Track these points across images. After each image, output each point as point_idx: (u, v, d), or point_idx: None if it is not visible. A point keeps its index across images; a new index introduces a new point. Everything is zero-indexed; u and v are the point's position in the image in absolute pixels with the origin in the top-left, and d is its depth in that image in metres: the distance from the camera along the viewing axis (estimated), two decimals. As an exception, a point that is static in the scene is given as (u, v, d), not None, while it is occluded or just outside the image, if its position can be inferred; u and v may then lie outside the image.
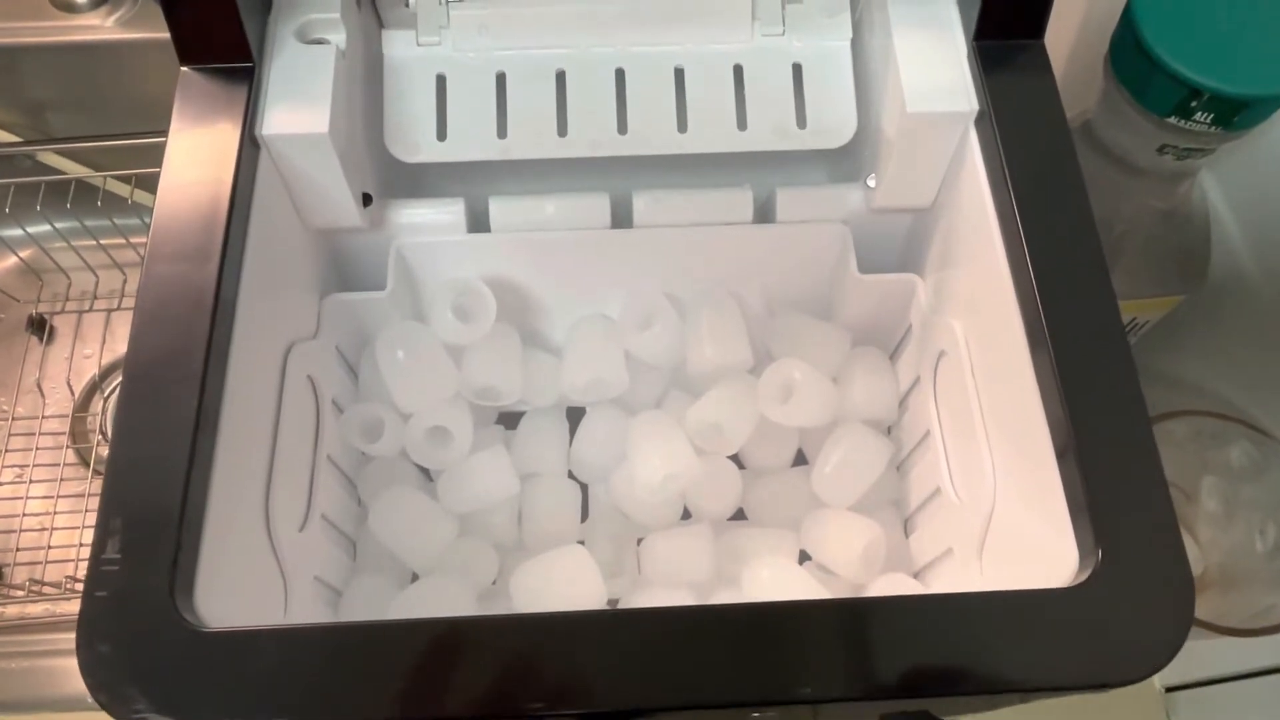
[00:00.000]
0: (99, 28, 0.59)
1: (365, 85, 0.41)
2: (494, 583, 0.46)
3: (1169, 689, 0.57)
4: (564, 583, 0.42)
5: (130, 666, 0.26)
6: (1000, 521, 0.37)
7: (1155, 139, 0.42)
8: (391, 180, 0.44)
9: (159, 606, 0.27)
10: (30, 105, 0.63)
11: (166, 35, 0.35)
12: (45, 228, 0.62)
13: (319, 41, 0.38)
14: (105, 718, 0.51)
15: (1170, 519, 0.29)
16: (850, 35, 0.42)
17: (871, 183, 0.43)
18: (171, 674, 0.26)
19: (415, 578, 0.46)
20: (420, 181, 0.45)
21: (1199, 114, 0.39)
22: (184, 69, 0.36)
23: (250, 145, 0.36)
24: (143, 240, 0.63)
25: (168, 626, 0.27)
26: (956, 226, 0.40)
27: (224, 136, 0.35)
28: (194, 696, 0.26)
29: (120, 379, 0.65)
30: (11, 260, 0.68)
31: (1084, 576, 0.28)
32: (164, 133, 0.57)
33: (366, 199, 0.41)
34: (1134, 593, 0.28)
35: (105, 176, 0.62)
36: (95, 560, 0.28)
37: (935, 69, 0.38)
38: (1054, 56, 0.39)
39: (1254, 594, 0.50)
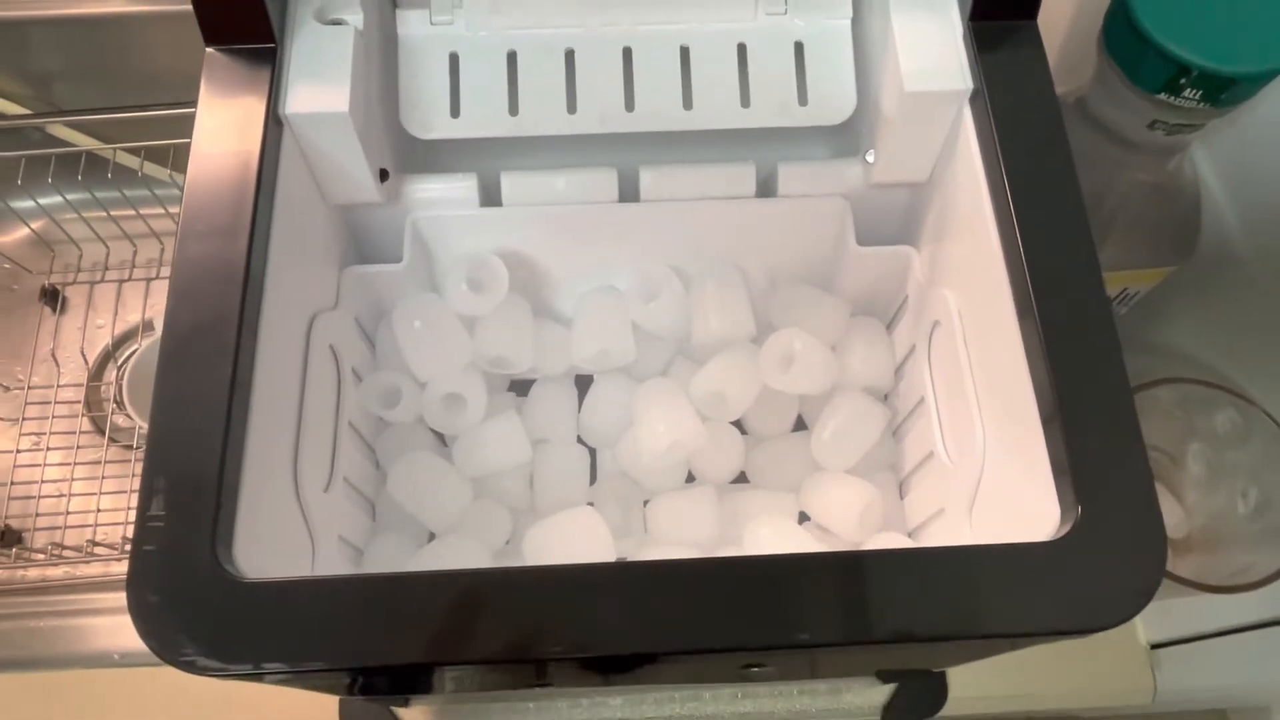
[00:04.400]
0: (107, 0, 0.59)
1: (381, 64, 0.42)
2: (507, 543, 0.48)
3: (1154, 645, 0.59)
4: (575, 542, 0.44)
5: (177, 615, 0.28)
6: (989, 482, 0.38)
7: (1146, 115, 0.42)
8: (407, 156, 0.45)
9: (202, 559, 0.29)
10: (39, 78, 0.64)
11: (174, 8, 0.36)
12: (56, 199, 0.63)
13: (337, 22, 0.39)
14: (123, 675, 0.53)
15: (1146, 479, 0.31)
16: (851, 14, 0.43)
17: (870, 158, 0.44)
18: (215, 621, 0.28)
19: (432, 538, 0.48)
20: (435, 157, 0.46)
21: (1188, 91, 0.40)
22: (209, 50, 0.37)
23: (274, 124, 0.37)
24: (152, 212, 0.64)
25: (211, 577, 0.29)
26: (951, 201, 0.42)
27: (249, 116, 0.36)
28: (236, 641, 0.28)
29: (134, 349, 0.66)
30: (23, 232, 0.69)
31: (1064, 531, 0.30)
32: (173, 105, 0.58)
33: (384, 174, 0.42)
34: (1110, 546, 0.29)
35: (115, 149, 0.63)
36: (142, 516, 0.29)
37: (932, 48, 0.39)
38: (1050, 32, 0.39)
39: (1236, 554, 0.51)
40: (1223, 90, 0.40)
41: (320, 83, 0.37)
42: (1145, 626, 0.58)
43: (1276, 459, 0.49)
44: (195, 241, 0.34)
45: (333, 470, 0.41)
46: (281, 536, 0.35)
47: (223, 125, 0.36)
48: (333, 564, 0.39)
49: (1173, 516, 0.55)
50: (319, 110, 0.37)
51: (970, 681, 0.55)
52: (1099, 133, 0.46)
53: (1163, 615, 0.57)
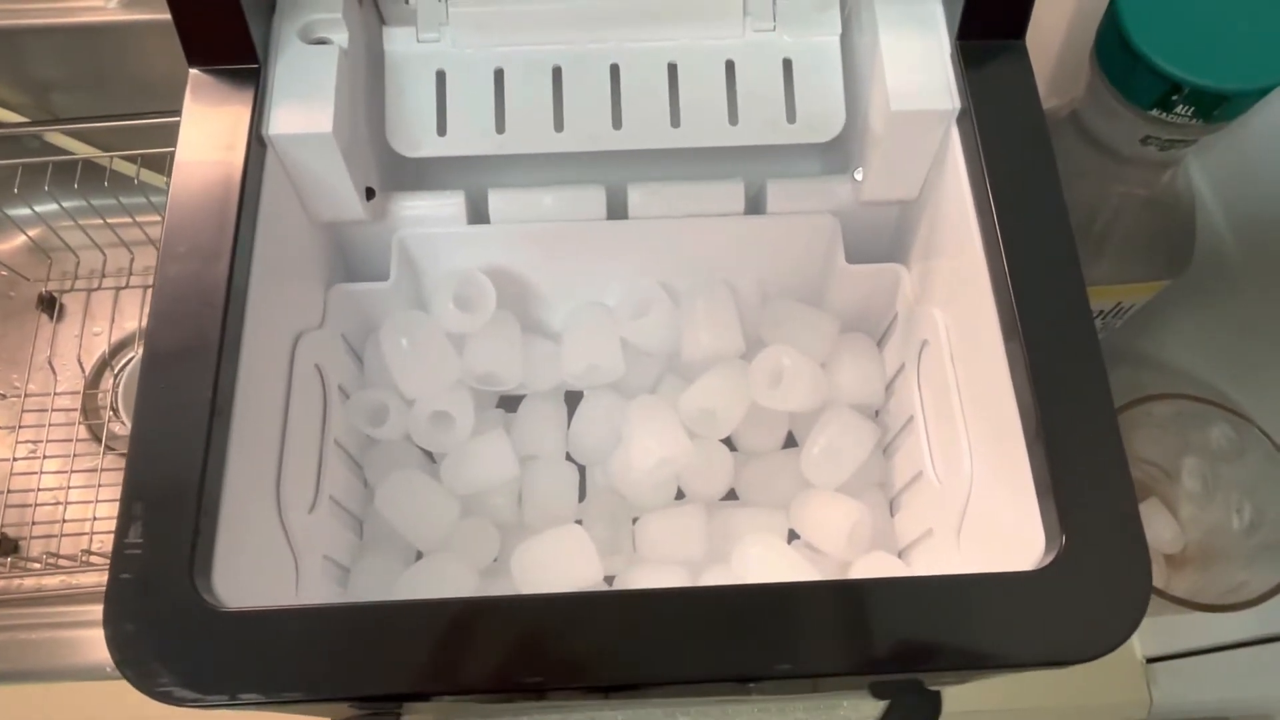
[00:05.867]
0: (102, 9, 0.60)
1: (367, 81, 0.42)
2: (495, 560, 0.48)
3: (1150, 660, 0.59)
4: (562, 560, 0.44)
5: (154, 644, 0.28)
6: (976, 504, 0.38)
7: (1139, 130, 0.42)
8: (394, 173, 0.45)
9: (180, 588, 0.29)
10: (36, 86, 0.64)
11: (169, 17, 0.36)
12: (53, 207, 0.63)
13: (322, 41, 0.39)
14: (119, 687, 0.53)
15: (1131, 506, 0.30)
16: (839, 31, 0.43)
17: (859, 175, 0.44)
18: (192, 651, 0.28)
19: (420, 556, 0.48)
20: (422, 174, 0.46)
21: (1180, 107, 0.40)
22: (193, 71, 0.37)
23: (258, 145, 0.37)
24: (148, 219, 0.64)
25: (188, 606, 0.29)
26: (939, 219, 0.41)
27: (232, 137, 0.36)
28: (214, 672, 0.28)
29: (131, 356, 0.66)
30: (20, 239, 0.69)
31: (1048, 560, 0.30)
32: (169, 113, 0.58)
33: (369, 192, 0.42)
34: (1094, 576, 0.29)
35: (111, 156, 0.63)
36: (119, 544, 0.29)
37: (919, 67, 0.39)
38: (1044, 44, 0.39)
39: (1230, 570, 0.51)
40: (1215, 107, 0.39)
41: (304, 103, 0.37)
42: (1141, 641, 0.58)
43: (1270, 476, 0.49)
44: (176, 263, 0.34)
45: (318, 490, 0.41)
46: (263, 559, 0.35)
47: (206, 146, 0.36)
48: (317, 584, 0.39)
49: (1169, 531, 0.55)
50: (302, 131, 0.37)
51: (964, 696, 0.55)
52: (1092, 146, 0.45)
53: (1158, 630, 0.57)
